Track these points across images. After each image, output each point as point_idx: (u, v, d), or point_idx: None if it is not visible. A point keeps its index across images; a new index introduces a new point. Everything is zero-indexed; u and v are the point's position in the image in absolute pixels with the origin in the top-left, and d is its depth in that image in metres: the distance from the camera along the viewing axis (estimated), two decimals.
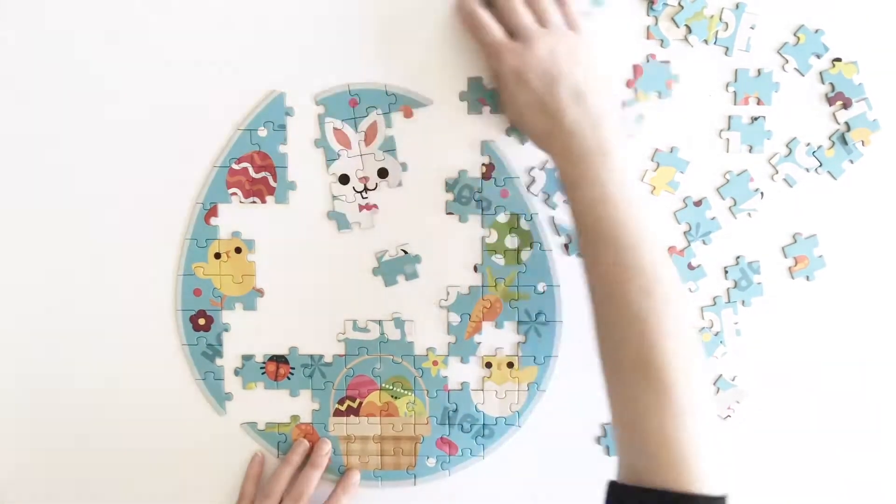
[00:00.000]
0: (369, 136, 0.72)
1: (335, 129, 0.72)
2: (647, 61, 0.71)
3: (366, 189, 0.72)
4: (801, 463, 0.75)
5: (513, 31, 0.66)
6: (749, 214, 0.73)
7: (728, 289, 0.73)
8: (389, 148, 0.72)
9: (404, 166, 0.72)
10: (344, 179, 0.72)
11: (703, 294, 0.73)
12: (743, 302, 0.73)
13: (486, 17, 0.67)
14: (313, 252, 0.73)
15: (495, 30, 0.67)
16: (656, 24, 0.70)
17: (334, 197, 0.73)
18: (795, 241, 0.72)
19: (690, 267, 0.73)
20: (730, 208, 0.72)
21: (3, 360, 0.75)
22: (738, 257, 0.73)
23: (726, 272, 0.73)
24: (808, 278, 0.73)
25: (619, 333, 0.61)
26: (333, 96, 0.71)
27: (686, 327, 0.61)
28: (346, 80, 0.71)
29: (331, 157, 0.72)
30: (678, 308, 0.61)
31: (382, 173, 0.72)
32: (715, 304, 0.74)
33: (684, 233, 0.73)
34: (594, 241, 0.63)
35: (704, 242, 0.73)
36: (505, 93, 0.67)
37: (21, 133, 0.72)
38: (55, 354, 0.75)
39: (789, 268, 0.73)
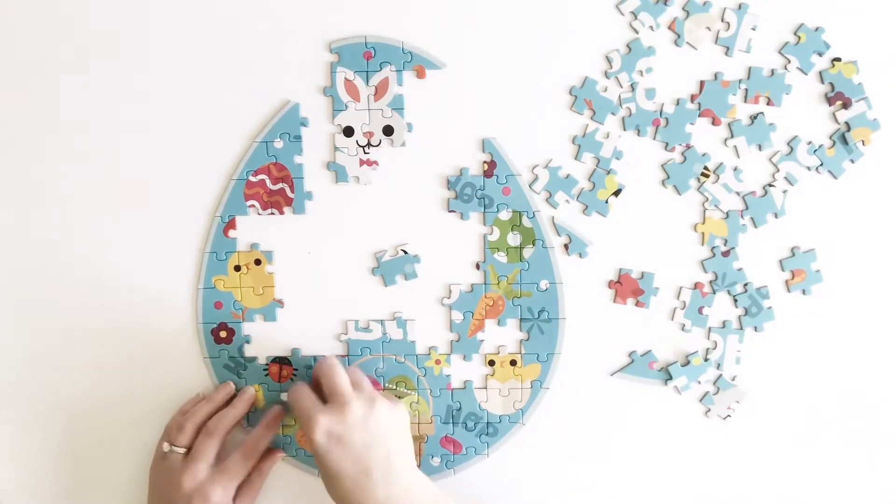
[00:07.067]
0: (380, 92, 0.71)
1: (346, 79, 0.71)
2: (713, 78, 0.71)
3: (369, 144, 0.72)
4: (801, 463, 0.75)
5: (328, 396, 0.67)
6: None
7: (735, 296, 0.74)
8: (398, 106, 0.72)
9: (409, 126, 0.72)
10: (348, 132, 0.72)
11: (706, 299, 0.74)
12: (746, 310, 0.74)
13: (304, 386, 0.69)
14: (330, 261, 0.73)
15: (309, 394, 0.67)
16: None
17: (336, 148, 0.72)
18: (793, 255, 0.73)
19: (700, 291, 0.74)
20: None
21: (25, 373, 0.74)
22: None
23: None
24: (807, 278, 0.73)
25: None
26: (348, 46, 0.71)
27: None
28: (362, 32, 0.71)
29: (338, 108, 0.72)
30: None
31: (388, 130, 0.72)
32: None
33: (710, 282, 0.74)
34: None
35: (729, 292, 0.74)
36: (317, 458, 0.66)
37: (39, 146, 0.72)
38: (76, 369, 0.74)
39: (789, 267, 0.73)
